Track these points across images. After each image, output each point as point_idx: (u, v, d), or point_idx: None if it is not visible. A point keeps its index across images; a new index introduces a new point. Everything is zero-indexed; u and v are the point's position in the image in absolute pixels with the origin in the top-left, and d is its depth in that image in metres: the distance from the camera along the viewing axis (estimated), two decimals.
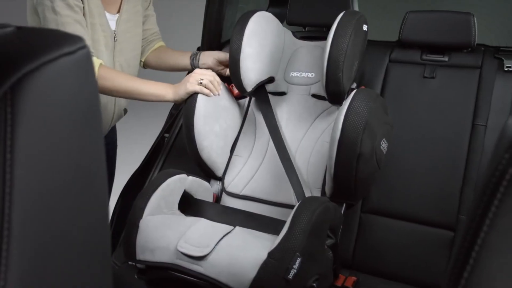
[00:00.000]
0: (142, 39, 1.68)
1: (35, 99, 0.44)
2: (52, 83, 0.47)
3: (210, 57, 1.68)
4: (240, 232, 1.27)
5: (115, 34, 1.49)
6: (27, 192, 0.43)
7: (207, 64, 1.66)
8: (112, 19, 1.49)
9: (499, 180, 0.43)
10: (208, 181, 1.60)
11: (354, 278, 1.48)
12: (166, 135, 1.89)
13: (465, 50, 1.68)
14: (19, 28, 0.53)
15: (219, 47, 1.98)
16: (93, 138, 0.53)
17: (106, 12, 1.46)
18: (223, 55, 1.69)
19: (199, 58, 1.68)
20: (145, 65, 1.76)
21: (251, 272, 1.11)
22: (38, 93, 0.45)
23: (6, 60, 0.45)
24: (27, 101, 0.43)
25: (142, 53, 1.71)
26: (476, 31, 1.64)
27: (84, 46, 0.51)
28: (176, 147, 1.81)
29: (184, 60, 1.70)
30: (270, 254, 1.11)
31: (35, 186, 0.44)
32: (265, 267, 1.10)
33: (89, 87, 0.53)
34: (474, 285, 0.43)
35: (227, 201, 1.59)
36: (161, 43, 1.77)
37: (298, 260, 1.09)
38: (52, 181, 0.46)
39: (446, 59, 1.67)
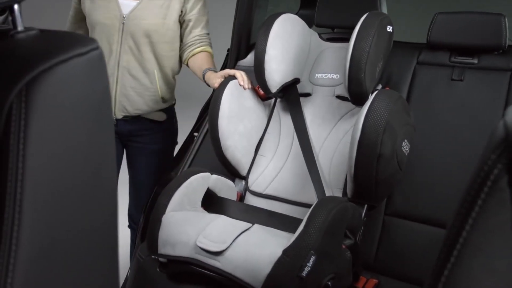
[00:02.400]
0: (183, 42, 1.73)
1: (48, 96, 0.49)
2: (65, 81, 0.51)
3: (218, 78, 1.66)
4: (257, 230, 1.29)
5: (125, 19, 1.62)
6: (37, 181, 0.47)
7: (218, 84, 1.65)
8: (127, 5, 1.63)
9: (484, 180, 0.43)
10: (233, 180, 1.64)
11: (375, 281, 1.47)
12: (196, 134, 1.94)
13: (496, 52, 1.64)
14: (42, 31, 0.58)
15: (248, 48, 2.01)
16: (104, 135, 0.57)
17: None
18: (232, 72, 1.66)
19: (206, 77, 1.71)
20: (188, 66, 1.79)
21: (266, 268, 1.13)
22: (51, 91, 0.49)
23: (24, 60, 0.50)
24: (41, 97, 0.48)
25: (182, 53, 1.76)
26: (508, 33, 1.59)
27: (97, 47, 0.55)
28: (204, 146, 1.85)
29: (201, 73, 1.73)
30: (285, 252, 1.13)
31: (45, 177, 0.48)
32: (279, 264, 1.12)
33: (100, 86, 0.57)
34: (453, 283, 0.44)
35: (251, 200, 1.62)
36: (204, 48, 1.75)
37: (313, 258, 1.11)
38: (61, 172, 0.50)
39: (475, 61, 1.64)
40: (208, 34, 1.77)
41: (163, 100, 1.77)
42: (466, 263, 0.44)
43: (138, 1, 1.63)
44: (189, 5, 1.68)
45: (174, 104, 1.87)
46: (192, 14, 1.70)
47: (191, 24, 1.71)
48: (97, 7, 1.64)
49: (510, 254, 0.43)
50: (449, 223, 0.46)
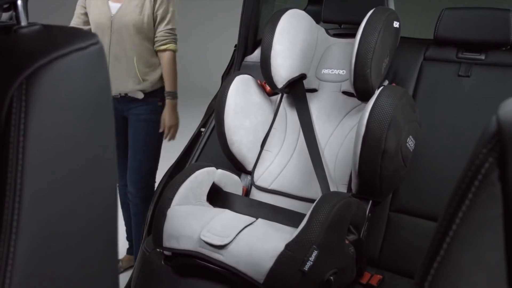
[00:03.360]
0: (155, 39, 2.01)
1: (47, 89, 0.50)
2: (64, 75, 0.52)
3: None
4: (261, 224, 1.30)
5: (112, 17, 1.97)
6: (37, 173, 0.48)
7: None
8: (114, 7, 1.98)
9: (474, 174, 0.43)
10: (239, 175, 1.65)
11: (379, 277, 1.48)
12: (203, 129, 1.95)
13: (504, 48, 1.62)
14: (45, 26, 0.59)
15: (255, 44, 2.02)
16: (103, 128, 0.58)
17: (110, 2, 1.99)
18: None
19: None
20: None
21: (268, 262, 1.14)
22: (51, 85, 0.50)
23: (25, 55, 0.51)
24: (40, 91, 0.49)
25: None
26: None
27: (96, 42, 0.56)
28: (211, 141, 1.87)
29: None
30: (287, 246, 1.14)
31: (44, 168, 0.49)
32: (281, 258, 1.13)
33: (100, 80, 0.58)
34: (442, 276, 0.44)
35: (256, 194, 1.63)
36: (168, 47, 2.00)
37: (315, 253, 1.11)
38: (61, 164, 0.51)
39: (482, 57, 1.62)
40: (172, 29, 2.01)
41: (145, 82, 2.03)
42: (456, 256, 0.44)
43: (121, 3, 1.98)
44: (156, 5, 1.96)
45: (162, 88, 2.08)
46: (158, 13, 1.97)
47: (157, 21, 1.98)
48: (95, 9, 2.03)
49: (500, 248, 0.43)
50: (440, 217, 0.47)
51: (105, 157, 0.59)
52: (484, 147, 0.43)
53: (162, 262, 1.36)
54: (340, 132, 1.59)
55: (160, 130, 2.06)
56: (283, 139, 1.68)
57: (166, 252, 1.34)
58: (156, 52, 2.04)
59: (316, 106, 1.67)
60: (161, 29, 1.99)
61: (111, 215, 0.60)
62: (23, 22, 0.58)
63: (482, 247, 0.44)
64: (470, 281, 0.43)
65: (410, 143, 1.38)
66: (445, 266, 0.44)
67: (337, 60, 1.69)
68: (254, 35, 2.00)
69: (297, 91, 1.68)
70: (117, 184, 0.62)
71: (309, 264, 1.11)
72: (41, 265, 0.50)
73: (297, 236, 1.15)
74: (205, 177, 1.44)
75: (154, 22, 2.00)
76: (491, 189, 0.42)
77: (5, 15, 0.86)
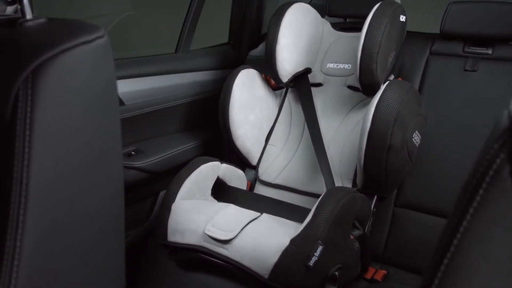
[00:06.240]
0: None
1: (53, 83, 0.49)
2: (70, 69, 0.52)
3: None
4: (266, 219, 1.30)
5: None
6: (42, 166, 0.48)
7: None
8: None
9: (486, 169, 0.43)
10: (243, 169, 1.65)
11: (384, 272, 1.48)
12: None
13: (511, 42, 1.60)
14: (50, 20, 0.59)
15: (260, 38, 2.01)
16: (109, 122, 0.58)
17: None
18: None
19: None
20: None
21: (273, 257, 1.14)
22: (56, 78, 0.50)
23: (30, 48, 0.51)
24: (46, 84, 0.49)
25: None
26: None
27: (102, 36, 0.56)
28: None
29: None
30: (292, 241, 1.14)
31: (50, 162, 0.49)
32: (286, 253, 1.13)
33: (106, 74, 0.58)
34: (452, 271, 0.44)
35: (261, 189, 1.63)
36: None
37: (320, 248, 1.11)
38: (66, 157, 0.51)
39: (489, 51, 1.60)
40: None
41: None
42: (466, 252, 0.44)
43: None
44: None
45: None
46: None
47: None
48: None
49: (510, 244, 0.43)
50: (450, 213, 0.46)
51: (111, 152, 0.58)
52: (495, 143, 0.42)
53: (167, 256, 1.36)
54: (345, 126, 1.58)
55: None
56: (288, 134, 1.67)
57: (170, 246, 1.34)
58: None
59: (321, 101, 1.66)
60: None
61: (117, 211, 0.60)
62: (28, 16, 0.58)
63: (492, 243, 0.43)
64: (480, 276, 0.43)
65: (416, 138, 1.37)
66: (455, 262, 0.44)
67: (343, 54, 1.68)
68: (258, 29, 1.99)
69: (302, 86, 1.67)
70: None
71: (314, 259, 1.10)
72: (46, 260, 0.50)
73: (302, 231, 1.15)
74: (209, 171, 1.44)
75: None
76: (503, 184, 0.42)
77: (10, 9, 0.86)
